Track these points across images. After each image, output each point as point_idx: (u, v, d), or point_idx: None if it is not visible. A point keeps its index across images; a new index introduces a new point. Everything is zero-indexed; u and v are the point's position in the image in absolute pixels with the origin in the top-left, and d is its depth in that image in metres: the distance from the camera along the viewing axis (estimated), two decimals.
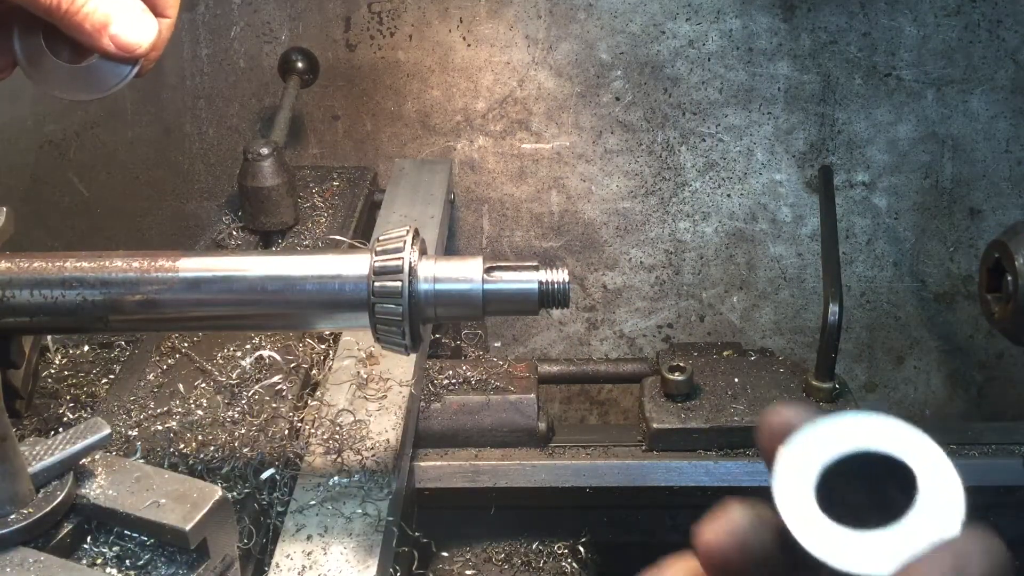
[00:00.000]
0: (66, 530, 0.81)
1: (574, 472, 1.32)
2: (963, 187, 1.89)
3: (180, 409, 1.13)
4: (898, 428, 0.47)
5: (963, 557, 0.43)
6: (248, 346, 1.24)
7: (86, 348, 1.32)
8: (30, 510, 0.78)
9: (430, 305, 0.86)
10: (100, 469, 0.84)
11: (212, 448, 1.07)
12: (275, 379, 1.18)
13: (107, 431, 0.83)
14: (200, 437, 1.08)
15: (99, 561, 0.80)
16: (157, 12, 0.85)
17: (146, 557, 0.80)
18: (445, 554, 1.36)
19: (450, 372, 1.37)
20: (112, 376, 1.24)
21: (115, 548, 0.81)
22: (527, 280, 0.86)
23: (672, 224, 1.94)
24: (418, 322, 0.86)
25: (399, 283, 0.84)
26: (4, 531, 0.77)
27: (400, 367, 1.21)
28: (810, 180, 1.90)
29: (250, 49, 1.88)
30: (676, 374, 1.33)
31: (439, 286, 0.86)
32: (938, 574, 0.43)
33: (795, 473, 0.48)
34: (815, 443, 0.48)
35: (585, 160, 1.91)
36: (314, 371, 1.23)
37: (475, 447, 1.32)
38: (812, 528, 0.46)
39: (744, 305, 1.97)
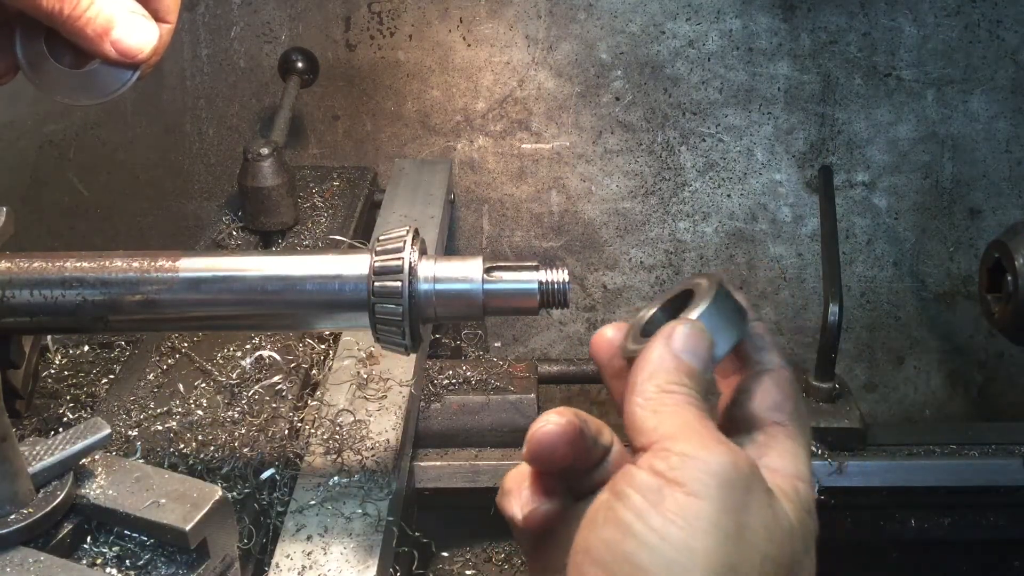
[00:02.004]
0: (66, 530, 0.80)
1: None
2: (963, 187, 1.89)
3: (180, 409, 1.13)
4: (701, 275, 0.73)
5: (672, 331, 0.67)
6: (248, 346, 1.24)
7: (86, 348, 1.32)
8: (30, 510, 0.78)
9: (430, 305, 0.86)
10: (100, 469, 0.84)
11: (212, 448, 1.07)
12: (275, 379, 1.18)
13: (107, 431, 0.83)
14: (200, 437, 1.08)
15: (99, 561, 0.80)
16: (158, 17, 0.85)
17: (146, 557, 0.80)
18: (445, 554, 1.36)
19: (450, 372, 1.37)
20: (112, 376, 1.24)
21: (115, 548, 0.81)
22: (527, 280, 0.86)
23: (672, 224, 1.94)
24: (418, 322, 0.86)
25: (399, 283, 0.84)
26: (4, 531, 0.77)
27: (400, 367, 1.21)
28: (810, 180, 1.90)
29: (250, 49, 1.88)
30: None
31: (439, 286, 0.86)
32: (656, 345, 0.66)
33: (640, 314, 0.76)
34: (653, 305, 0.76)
35: (585, 160, 1.91)
36: (314, 371, 1.23)
37: (475, 447, 1.32)
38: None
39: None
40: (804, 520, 0.64)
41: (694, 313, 0.69)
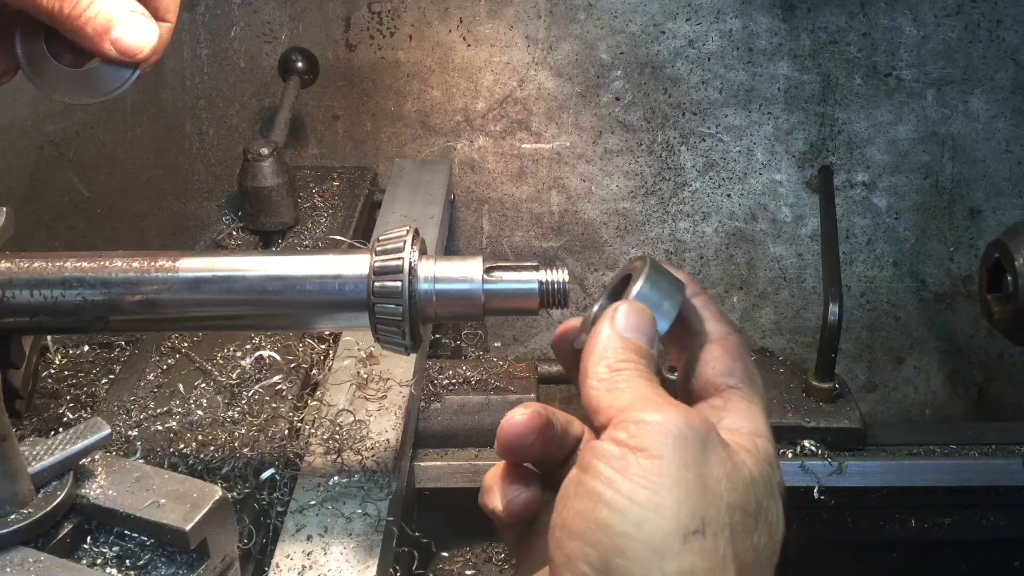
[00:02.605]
0: (66, 530, 0.80)
1: None
2: (963, 187, 1.89)
3: (180, 409, 1.13)
4: (637, 259, 0.77)
5: (614, 313, 0.71)
6: (248, 346, 1.24)
7: (86, 348, 1.32)
8: (30, 510, 0.78)
9: (430, 305, 0.86)
10: (100, 469, 0.84)
11: (212, 448, 1.07)
12: (275, 379, 1.18)
13: (107, 431, 0.83)
14: (200, 437, 1.08)
15: (99, 561, 0.80)
16: (157, 16, 0.85)
17: (146, 557, 0.80)
18: (445, 554, 1.36)
19: (450, 372, 1.37)
20: (112, 376, 1.24)
21: (115, 548, 0.81)
22: (527, 280, 0.86)
23: (672, 224, 1.94)
24: (418, 322, 0.86)
25: (399, 283, 0.84)
26: (4, 531, 0.77)
27: (400, 367, 1.21)
28: (810, 180, 1.90)
29: (250, 49, 1.88)
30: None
31: (439, 286, 0.86)
32: (601, 329, 0.70)
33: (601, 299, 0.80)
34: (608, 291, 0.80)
35: (585, 160, 1.91)
36: (314, 371, 1.23)
37: (475, 447, 1.32)
38: None
39: (744, 305, 1.97)
40: (765, 471, 0.67)
41: (631, 293, 0.73)
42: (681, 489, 0.60)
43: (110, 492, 0.82)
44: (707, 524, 0.60)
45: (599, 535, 0.60)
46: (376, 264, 0.85)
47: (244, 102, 1.90)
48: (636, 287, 0.73)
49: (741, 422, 0.71)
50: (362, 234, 1.59)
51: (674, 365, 0.81)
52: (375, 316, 0.85)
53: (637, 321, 0.71)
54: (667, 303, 0.74)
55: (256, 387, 1.16)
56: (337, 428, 1.10)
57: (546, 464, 0.79)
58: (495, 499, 0.78)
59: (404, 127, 1.91)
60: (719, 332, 0.76)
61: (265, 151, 1.45)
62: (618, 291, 0.78)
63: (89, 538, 0.82)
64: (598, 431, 0.66)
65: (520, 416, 0.75)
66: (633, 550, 0.59)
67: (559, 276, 0.87)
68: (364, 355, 1.22)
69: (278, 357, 1.21)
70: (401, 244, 0.85)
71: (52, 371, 1.28)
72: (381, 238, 0.87)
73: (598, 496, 0.61)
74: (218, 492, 0.81)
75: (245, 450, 1.06)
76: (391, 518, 0.99)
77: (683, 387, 0.77)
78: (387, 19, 1.85)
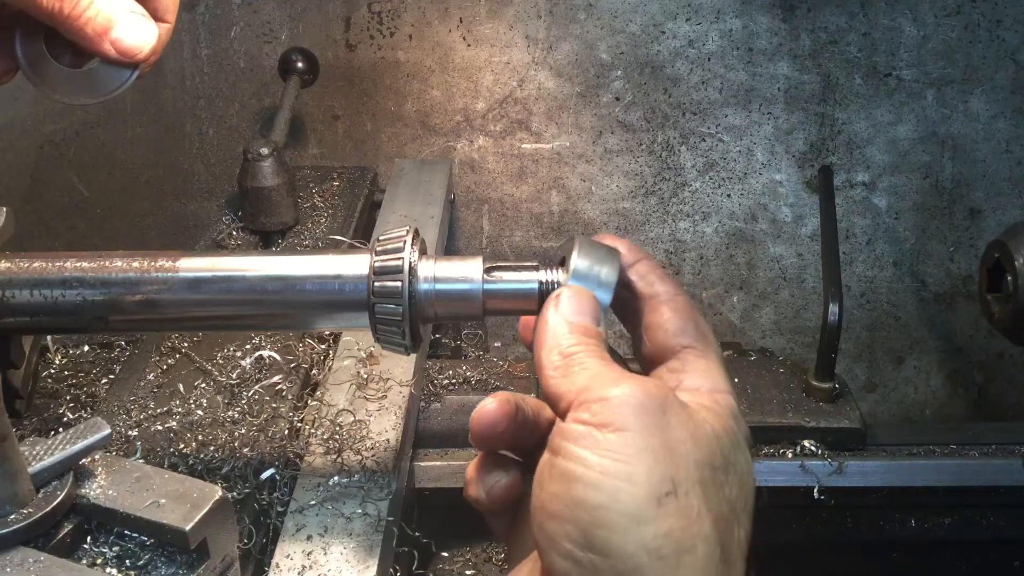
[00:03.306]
0: (66, 530, 0.80)
1: None
2: (963, 187, 1.89)
3: (180, 409, 1.13)
4: (568, 239, 0.80)
5: (557, 301, 0.74)
6: (248, 346, 1.24)
7: (86, 348, 1.32)
8: (30, 510, 0.78)
9: (430, 305, 0.86)
10: (100, 469, 0.84)
11: (212, 448, 1.07)
12: (275, 379, 1.18)
13: (107, 431, 0.83)
14: (200, 437, 1.08)
15: (99, 561, 0.80)
16: (157, 17, 0.85)
17: (146, 557, 0.80)
18: (445, 554, 1.36)
19: (450, 372, 1.37)
20: (112, 376, 1.24)
21: (115, 548, 0.81)
22: (527, 280, 0.86)
23: (672, 224, 1.94)
24: (418, 322, 0.86)
25: (399, 283, 0.84)
26: (4, 531, 0.77)
27: (400, 367, 1.21)
28: (810, 180, 1.90)
29: (250, 49, 1.88)
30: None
31: (439, 286, 0.85)
32: (546, 318, 0.73)
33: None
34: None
35: (585, 160, 1.91)
36: (314, 371, 1.23)
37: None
38: None
39: (744, 305, 1.97)
40: (728, 425, 0.69)
41: (568, 275, 0.75)
42: (649, 455, 0.63)
43: (110, 492, 0.82)
44: (678, 484, 0.62)
45: (577, 512, 0.62)
46: (376, 264, 0.85)
47: (244, 102, 1.90)
48: (572, 268, 0.75)
49: (700, 381, 0.72)
50: (362, 234, 1.59)
51: (628, 333, 0.82)
52: (375, 316, 0.85)
53: (579, 303, 0.73)
54: (604, 274, 0.75)
55: (256, 387, 1.16)
56: (337, 428, 1.10)
57: (522, 449, 0.81)
58: (477, 488, 0.80)
59: (404, 127, 1.91)
60: (666, 294, 0.77)
61: (265, 151, 1.45)
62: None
63: (89, 538, 0.82)
64: (563, 416, 0.68)
65: (490, 406, 0.77)
66: (611, 520, 0.61)
67: (559, 276, 0.86)
68: (364, 355, 1.22)
69: (278, 357, 1.21)
70: (401, 244, 0.85)
71: (52, 371, 1.28)
72: (381, 238, 0.87)
73: (571, 475, 0.63)
74: (218, 492, 0.81)
75: (245, 450, 1.06)
76: (391, 518, 0.99)
77: (640, 354, 0.78)
78: (387, 19, 1.85)
